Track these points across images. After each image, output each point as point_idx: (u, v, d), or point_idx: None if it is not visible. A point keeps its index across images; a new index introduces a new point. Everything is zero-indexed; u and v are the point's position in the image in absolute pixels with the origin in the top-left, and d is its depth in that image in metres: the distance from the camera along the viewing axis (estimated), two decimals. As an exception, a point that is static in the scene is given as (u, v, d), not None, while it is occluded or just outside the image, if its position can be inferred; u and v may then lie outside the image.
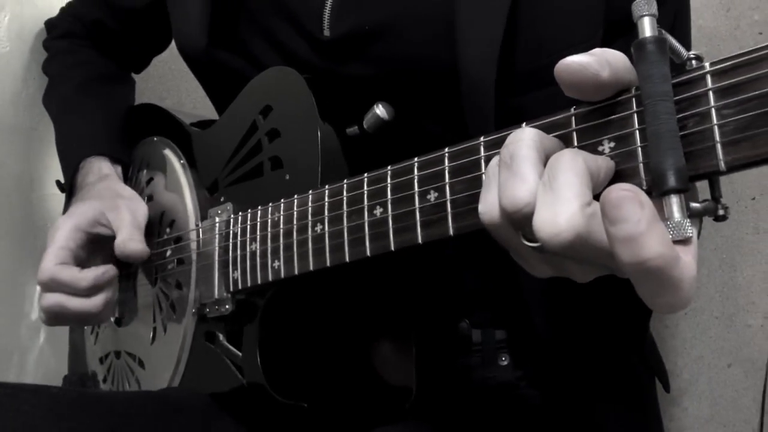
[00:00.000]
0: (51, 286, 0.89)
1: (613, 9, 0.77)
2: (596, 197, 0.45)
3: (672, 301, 0.45)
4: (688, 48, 0.48)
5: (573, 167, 0.45)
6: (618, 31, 0.70)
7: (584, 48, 0.49)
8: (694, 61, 0.46)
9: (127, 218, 0.94)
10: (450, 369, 0.90)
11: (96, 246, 0.95)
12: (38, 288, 0.92)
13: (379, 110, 0.79)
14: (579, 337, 0.86)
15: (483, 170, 0.57)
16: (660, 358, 1.01)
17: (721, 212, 0.46)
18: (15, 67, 1.22)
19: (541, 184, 0.46)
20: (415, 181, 0.62)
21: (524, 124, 0.54)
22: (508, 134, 0.51)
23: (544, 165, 0.48)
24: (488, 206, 0.50)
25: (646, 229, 0.41)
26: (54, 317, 0.91)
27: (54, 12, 1.24)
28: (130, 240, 0.92)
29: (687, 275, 0.44)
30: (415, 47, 0.81)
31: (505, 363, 0.89)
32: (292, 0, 0.87)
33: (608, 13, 0.77)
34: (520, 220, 0.47)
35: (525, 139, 0.48)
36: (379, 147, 0.69)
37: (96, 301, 0.92)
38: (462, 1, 0.77)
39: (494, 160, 0.51)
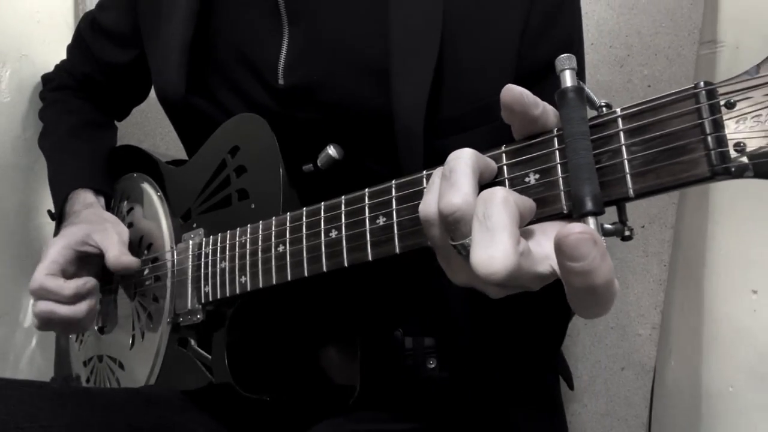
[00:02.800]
0: (40, 293, 0.88)
1: (522, 66, 0.78)
2: None
3: (601, 310, 0.45)
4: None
5: (506, 208, 0.44)
6: (529, 82, 0.70)
7: (497, 99, 0.49)
8: (604, 108, 0.46)
9: (114, 238, 0.92)
10: (387, 370, 0.88)
11: (83, 262, 0.93)
12: (32, 300, 0.90)
13: (332, 150, 0.78)
14: (499, 344, 0.86)
15: None
16: (565, 361, 1.01)
17: (627, 233, 0.46)
18: (15, 114, 1.21)
19: (476, 221, 0.44)
20: (366, 208, 0.61)
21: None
22: None
23: (479, 178, 0.48)
24: (427, 206, 0.50)
25: (599, 263, 0.40)
26: (45, 322, 0.89)
27: (49, 68, 1.23)
28: (123, 255, 0.91)
29: (615, 289, 0.44)
30: (356, 95, 0.80)
31: (432, 366, 0.87)
32: (253, 53, 0.86)
33: (518, 69, 0.78)
34: (452, 223, 0.46)
35: (463, 156, 0.48)
36: (330, 182, 0.68)
37: (79, 308, 0.90)
38: (395, 56, 0.76)
39: (436, 172, 0.51)
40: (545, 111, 0.48)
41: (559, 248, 0.41)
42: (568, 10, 0.81)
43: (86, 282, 0.90)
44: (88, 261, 0.93)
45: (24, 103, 1.23)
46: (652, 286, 1.27)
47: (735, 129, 0.39)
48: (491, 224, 0.43)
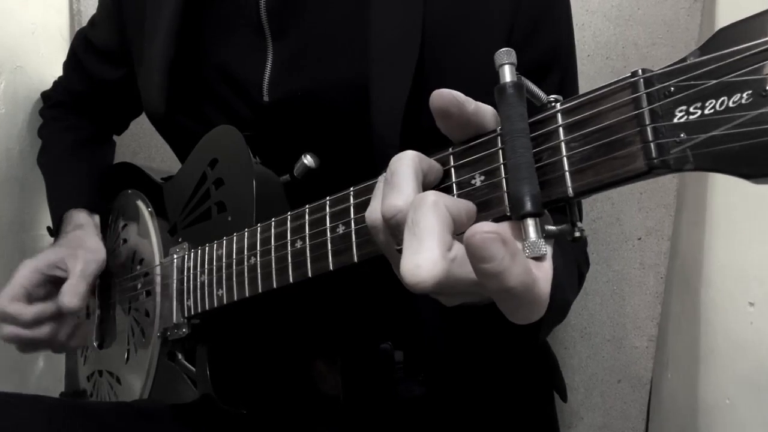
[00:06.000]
0: (3, 317, 0.87)
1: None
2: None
3: (529, 314, 0.40)
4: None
5: (435, 213, 0.40)
6: None
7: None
8: (556, 104, 0.42)
9: (77, 268, 0.90)
10: (374, 383, 0.85)
11: (56, 286, 0.90)
12: None
13: (307, 160, 0.76)
14: (476, 352, 0.82)
15: None
16: (560, 373, 0.97)
17: (577, 234, 0.42)
18: (9, 126, 1.18)
19: (406, 228, 0.41)
20: (327, 217, 0.57)
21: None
22: None
23: (421, 180, 0.45)
24: (372, 212, 0.47)
25: (510, 263, 0.36)
26: (17, 345, 0.90)
27: (44, 79, 1.22)
28: (66, 293, 0.87)
29: (543, 292, 0.40)
30: (336, 107, 0.78)
31: (421, 379, 0.84)
32: (237, 71, 0.84)
33: None
34: (395, 227, 0.43)
35: (404, 158, 0.45)
36: (308, 192, 0.65)
37: (41, 332, 0.89)
38: (374, 68, 0.74)
39: (381, 176, 0.48)
40: (479, 109, 0.44)
41: (467, 249, 0.37)
42: (555, 17, 0.79)
43: (45, 308, 0.89)
44: (59, 284, 0.91)
45: (18, 115, 1.20)
46: (649, 298, 1.23)
47: (676, 119, 0.35)
48: (419, 230, 0.39)
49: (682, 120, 0.34)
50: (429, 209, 0.39)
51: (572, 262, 0.76)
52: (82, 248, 0.93)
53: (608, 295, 1.25)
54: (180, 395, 0.83)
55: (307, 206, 0.61)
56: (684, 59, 0.35)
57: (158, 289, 0.87)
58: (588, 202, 1.20)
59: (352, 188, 0.56)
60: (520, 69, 0.44)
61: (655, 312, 1.23)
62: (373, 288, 0.79)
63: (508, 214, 0.42)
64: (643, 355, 1.25)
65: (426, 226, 0.39)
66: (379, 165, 0.73)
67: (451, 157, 0.47)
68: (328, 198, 0.58)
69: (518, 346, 0.84)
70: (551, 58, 0.78)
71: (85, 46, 1.08)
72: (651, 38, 1.18)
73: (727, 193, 0.98)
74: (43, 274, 0.90)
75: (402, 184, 0.43)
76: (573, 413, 1.29)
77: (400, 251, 0.42)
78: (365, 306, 0.84)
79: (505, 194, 0.42)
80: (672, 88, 0.35)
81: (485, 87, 0.73)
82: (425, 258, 0.38)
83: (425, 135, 0.74)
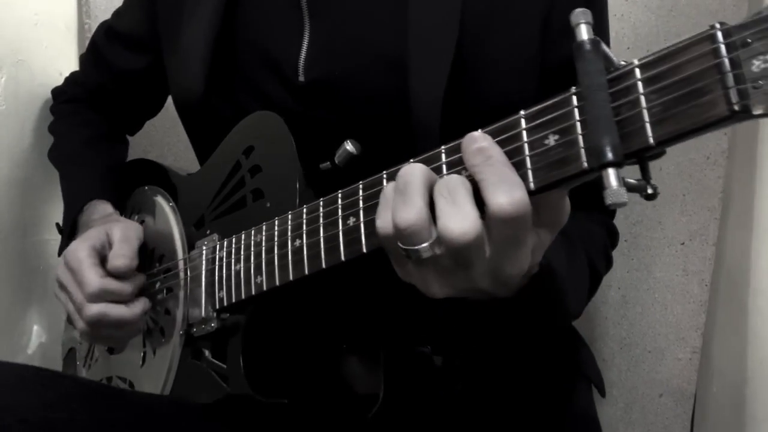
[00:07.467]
0: (100, 296, 0.88)
1: (548, 62, 0.82)
2: None
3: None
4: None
5: (465, 187, 0.53)
6: (556, 78, 0.72)
7: (520, 98, 0.54)
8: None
9: (117, 235, 0.92)
10: (411, 386, 0.89)
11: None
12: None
13: (349, 146, 0.80)
14: (502, 353, 0.89)
15: None
16: (596, 365, 1.00)
17: (650, 191, 0.48)
18: (11, 124, 1.20)
19: (443, 200, 0.53)
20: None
21: (479, 130, 0.56)
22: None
23: (429, 191, 0.54)
24: (384, 222, 0.56)
25: (501, 156, 0.52)
26: (96, 326, 0.89)
27: (48, 74, 1.25)
28: (112, 258, 0.90)
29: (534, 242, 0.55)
30: (375, 89, 0.84)
31: (459, 387, 0.89)
32: (273, 49, 0.89)
33: (544, 66, 0.82)
34: (406, 236, 0.53)
35: (416, 173, 0.55)
36: (348, 180, 0.70)
37: (135, 309, 0.91)
38: (413, 49, 0.80)
39: (390, 185, 0.57)
40: None
41: (465, 154, 0.55)
42: (593, 3, 0.84)
43: (142, 279, 0.93)
44: None
45: (21, 112, 1.22)
46: (693, 306, 1.26)
47: (754, 67, 0.41)
48: (458, 199, 0.52)
49: (761, 68, 0.41)
50: (460, 185, 0.53)
51: (582, 262, 0.82)
52: (120, 221, 0.97)
53: (649, 304, 1.29)
54: (203, 394, 0.86)
55: (360, 182, 0.66)
56: (759, 12, 0.41)
57: (183, 284, 0.91)
58: (628, 205, 1.22)
59: (361, 182, 0.64)
60: (560, 57, 0.51)
61: (699, 321, 1.27)
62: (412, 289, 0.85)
63: (586, 167, 0.48)
64: (686, 368, 1.28)
65: (461, 197, 0.53)
66: (420, 149, 0.79)
67: (523, 120, 0.53)
68: (384, 172, 0.63)
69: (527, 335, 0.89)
70: None
71: (107, 36, 1.15)
72: (695, 30, 1.22)
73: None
74: (98, 254, 0.91)
75: (414, 197, 0.53)
76: (612, 429, 1.31)
77: (405, 252, 0.54)
78: (402, 306, 0.88)
79: (582, 150, 0.48)
80: (749, 39, 0.41)
81: (522, 66, 0.80)
82: (468, 216, 0.52)
83: (466, 117, 0.80)
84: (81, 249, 0.90)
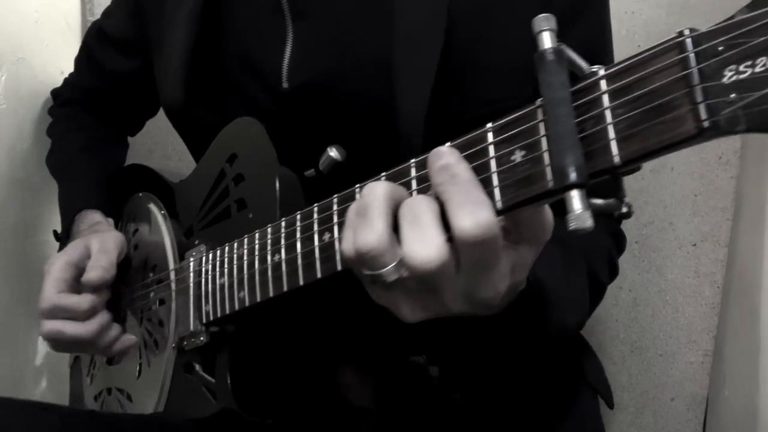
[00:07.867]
0: (53, 312, 0.87)
1: None
2: None
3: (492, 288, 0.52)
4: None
5: (431, 209, 0.49)
6: None
7: (513, 103, 0.49)
8: (599, 71, 0.44)
9: (95, 247, 0.91)
10: (406, 397, 0.87)
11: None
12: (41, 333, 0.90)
13: (333, 153, 0.78)
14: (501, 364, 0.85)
15: None
16: (603, 375, 0.97)
17: (624, 210, 0.44)
18: (11, 123, 1.19)
19: (407, 224, 0.50)
20: None
21: (448, 144, 0.53)
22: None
23: (393, 212, 0.52)
24: (347, 245, 0.53)
25: (466, 173, 0.48)
26: (54, 343, 0.89)
27: (48, 72, 1.24)
28: (88, 269, 0.89)
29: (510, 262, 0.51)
30: (361, 93, 0.82)
31: (457, 396, 0.86)
32: (256, 55, 0.87)
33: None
34: (368, 260, 0.50)
35: (377, 193, 0.52)
36: (335, 186, 0.68)
37: (90, 326, 0.89)
38: (398, 50, 0.78)
39: (353, 206, 0.54)
40: None
41: (431, 171, 0.51)
42: (591, 4, 0.81)
43: (100, 296, 0.90)
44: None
45: (21, 111, 1.21)
46: (705, 309, 1.24)
47: (725, 79, 0.37)
48: (422, 222, 0.49)
49: (732, 79, 0.37)
50: (426, 206, 0.50)
51: (581, 273, 0.78)
52: (101, 232, 0.96)
53: (660, 306, 1.26)
54: (197, 409, 0.85)
55: (335, 196, 0.63)
56: (732, 17, 0.37)
57: (173, 295, 0.90)
58: (639, 205, 1.21)
59: (383, 173, 0.59)
60: None
61: (711, 324, 1.24)
62: None
63: (551, 187, 0.44)
64: (698, 371, 1.26)
65: (426, 220, 0.49)
66: (406, 154, 0.76)
67: (490, 133, 0.49)
68: (357, 186, 0.61)
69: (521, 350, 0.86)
70: (588, 48, 0.81)
71: (98, 38, 1.13)
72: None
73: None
74: (76, 267, 0.91)
75: (375, 220, 0.50)
76: (622, 434, 1.29)
77: (370, 277, 0.51)
78: (392, 315, 0.86)
79: (547, 168, 0.45)
80: (720, 47, 0.37)
81: (517, 71, 0.77)
82: (433, 242, 0.48)
83: (452, 122, 0.77)
84: (55, 263, 0.90)
